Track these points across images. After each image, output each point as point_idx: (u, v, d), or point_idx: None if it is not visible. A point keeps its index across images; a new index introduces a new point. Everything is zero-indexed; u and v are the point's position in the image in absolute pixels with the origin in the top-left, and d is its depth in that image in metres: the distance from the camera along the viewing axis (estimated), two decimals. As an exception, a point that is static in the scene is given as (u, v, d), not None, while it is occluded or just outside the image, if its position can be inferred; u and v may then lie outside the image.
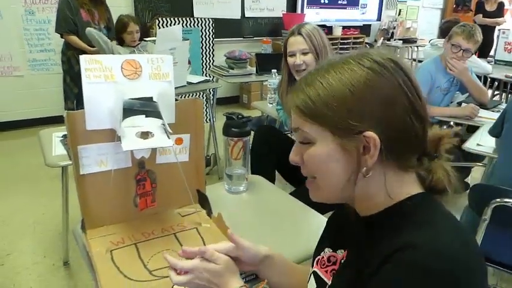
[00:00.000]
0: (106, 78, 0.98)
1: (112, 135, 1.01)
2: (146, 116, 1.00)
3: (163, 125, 0.99)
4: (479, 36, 2.31)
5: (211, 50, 4.40)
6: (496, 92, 3.93)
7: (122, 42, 3.25)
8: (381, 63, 0.60)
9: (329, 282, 0.70)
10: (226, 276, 0.76)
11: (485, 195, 1.33)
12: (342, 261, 0.69)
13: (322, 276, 0.72)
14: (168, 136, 0.97)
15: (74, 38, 3.19)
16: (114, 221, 1.08)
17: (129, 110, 0.96)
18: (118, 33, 3.23)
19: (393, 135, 0.59)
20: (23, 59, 4.05)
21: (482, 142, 1.85)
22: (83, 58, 0.96)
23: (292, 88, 0.69)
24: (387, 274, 0.53)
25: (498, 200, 1.30)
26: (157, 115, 1.00)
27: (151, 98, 1.02)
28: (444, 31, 3.32)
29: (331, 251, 0.74)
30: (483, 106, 2.50)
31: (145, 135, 0.97)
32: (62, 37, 3.28)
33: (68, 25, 3.16)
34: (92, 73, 0.96)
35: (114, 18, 3.37)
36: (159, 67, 1.06)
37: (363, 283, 0.57)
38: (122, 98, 0.99)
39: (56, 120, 3.86)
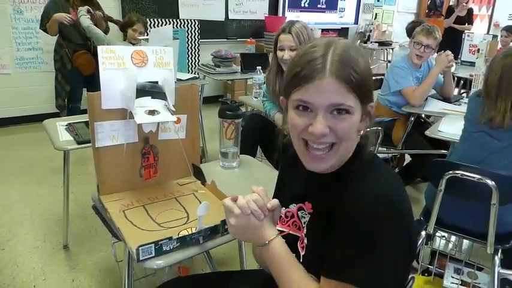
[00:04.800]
0: (119, 66, 1.17)
1: (123, 114, 1.19)
2: (152, 98, 1.19)
3: (166, 105, 1.18)
4: (438, 34, 2.59)
5: (197, 50, 4.57)
6: (462, 91, 4.24)
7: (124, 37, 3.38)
8: None
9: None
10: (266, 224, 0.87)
11: (440, 169, 1.56)
12: (309, 212, 0.87)
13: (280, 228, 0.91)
14: (171, 113, 1.16)
15: (51, 22, 3.23)
16: (123, 189, 1.26)
17: (141, 90, 1.15)
18: (123, 27, 3.35)
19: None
20: (11, 57, 4.12)
21: (443, 129, 2.10)
22: (100, 49, 1.14)
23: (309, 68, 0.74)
24: (346, 225, 0.74)
25: (450, 172, 1.53)
26: (163, 96, 1.19)
27: (157, 82, 1.21)
28: (409, 32, 3.60)
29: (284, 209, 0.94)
30: (447, 100, 2.78)
31: (152, 112, 1.16)
32: (45, 32, 3.36)
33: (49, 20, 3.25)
34: (108, 61, 1.14)
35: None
36: (162, 57, 1.25)
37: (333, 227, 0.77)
38: (131, 82, 1.17)
39: (44, 118, 3.92)
